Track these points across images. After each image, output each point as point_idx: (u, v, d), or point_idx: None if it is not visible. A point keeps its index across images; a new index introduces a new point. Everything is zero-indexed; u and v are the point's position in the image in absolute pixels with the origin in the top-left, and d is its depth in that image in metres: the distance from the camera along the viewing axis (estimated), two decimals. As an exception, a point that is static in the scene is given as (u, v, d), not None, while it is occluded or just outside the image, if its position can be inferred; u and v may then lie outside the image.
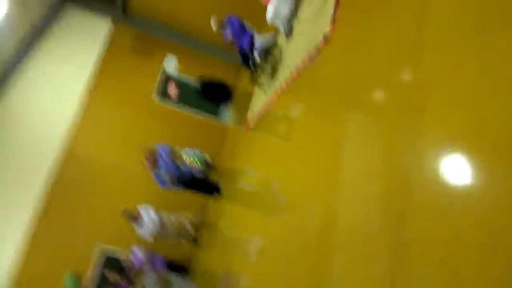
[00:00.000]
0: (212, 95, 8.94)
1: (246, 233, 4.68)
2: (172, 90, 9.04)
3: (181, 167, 6.46)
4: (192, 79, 8.76)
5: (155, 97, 8.81)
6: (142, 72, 8.88)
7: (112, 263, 7.16)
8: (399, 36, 2.47)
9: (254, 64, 6.12)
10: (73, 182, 7.66)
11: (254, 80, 6.21)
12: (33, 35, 8.01)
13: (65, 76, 8.36)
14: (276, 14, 5.59)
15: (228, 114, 8.95)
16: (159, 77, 8.95)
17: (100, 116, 8.29)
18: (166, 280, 5.61)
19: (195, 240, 7.09)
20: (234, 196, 6.12)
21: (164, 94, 8.97)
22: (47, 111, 8.09)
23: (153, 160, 6.15)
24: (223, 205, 6.58)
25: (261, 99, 6.05)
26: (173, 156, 7.04)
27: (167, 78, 9.10)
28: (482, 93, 1.58)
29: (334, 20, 3.80)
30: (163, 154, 6.86)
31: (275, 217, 3.68)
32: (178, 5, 8.52)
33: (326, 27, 3.88)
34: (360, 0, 3.45)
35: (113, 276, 6.32)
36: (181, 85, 9.10)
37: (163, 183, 6.35)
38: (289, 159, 3.89)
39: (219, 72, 8.84)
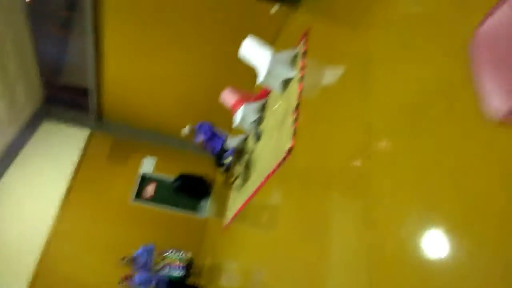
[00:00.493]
0: (191, 191, 9.10)
1: None
2: (150, 190, 9.18)
3: (157, 275, 6.50)
4: (170, 178, 8.94)
5: (132, 200, 8.88)
6: (120, 176, 9.05)
7: None
8: (350, 139, 2.78)
9: (227, 167, 6.40)
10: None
11: (227, 182, 6.45)
12: (10, 153, 8.18)
13: (43, 188, 8.42)
14: (243, 120, 6.02)
15: (207, 209, 9.06)
16: (136, 179, 9.11)
17: (78, 226, 8.24)
18: None
19: None
20: None
21: (141, 195, 9.07)
22: (24, 226, 8.00)
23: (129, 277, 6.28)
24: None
25: (236, 201, 6.23)
26: (156, 257, 7.08)
27: (146, 180, 9.27)
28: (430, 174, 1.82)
29: (294, 134, 4.19)
30: (142, 260, 6.84)
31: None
32: (150, 108, 8.95)
33: (289, 141, 4.24)
34: (313, 114, 3.85)
35: None
36: (159, 185, 9.26)
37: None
38: (269, 247, 3.97)
39: (197, 166, 9.08)
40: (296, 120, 4.30)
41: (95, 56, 7.39)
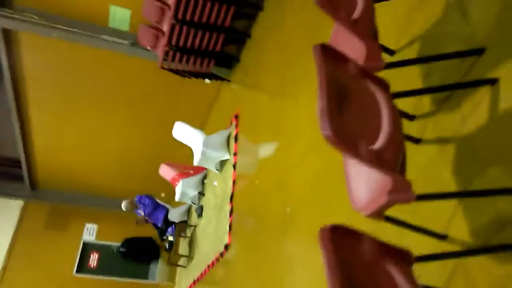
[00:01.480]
0: (138, 255, 8.69)
1: None
2: (94, 259, 8.66)
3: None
4: (114, 243, 8.50)
5: (74, 272, 8.32)
6: (60, 247, 8.46)
7: None
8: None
9: (170, 245, 6.16)
10: None
11: (170, 260, 6.19)
12: None
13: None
14: (183, 194, 5.84)
15: (157, 272, 8.67)
16: (78, 249, 8.58)
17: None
18: None
19: None
20: None
21: (85, 266, 8.53)
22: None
23: None
24: None
25: (183, 280, 6.00)
26: None
27: (88, 248, 8.74)
28: None
29: (230, 230, 4.09)
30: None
31: None
32: (86, 175, 8.54)
33: (226, 237, 4.14)
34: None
35: None
36: (103, 252, 8.75)
37: None
38: None
39: (143, 228, 8.71)
40: (231, 213, 4.22)
41: (20, 126, 7.00)
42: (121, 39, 5.17)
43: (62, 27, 5.04)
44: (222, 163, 4.95)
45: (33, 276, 7.97)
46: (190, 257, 5.81)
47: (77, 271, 8.32)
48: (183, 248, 6.22)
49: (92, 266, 8.59)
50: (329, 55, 1.19)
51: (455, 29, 1.66)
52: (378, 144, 1.19)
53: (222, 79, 5.56)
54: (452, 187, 1.53)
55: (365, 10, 1.42)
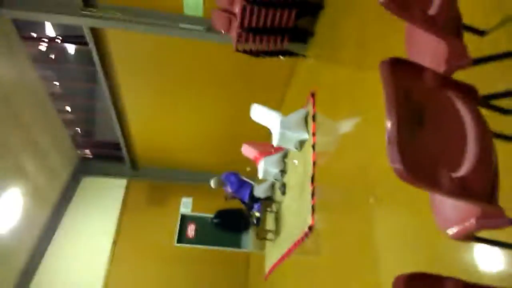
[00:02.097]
0: (231, 226, 9.13)
1: None
2: (191, 230, 9.34)
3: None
4: (208, 215, 9.05)
5: (175, 242, 9.08)
6: (161, 219, 9.28)
7: None
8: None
9: (257, 220, 6.36)
10: None
11: (259, 236, 6.41)
12: (56, 214, 8.64)
13: (92, 241, 8.81)
14: (266, 173, 5.95)
15: (249, 241, 9.09)
16: (176, 221, 9.32)
17: (128, 273, 8.55)
18: None
19: None
20: None
21: (184, 236, 9.26)
22: (80, 277, 8.43)
23: None
24: None
25: (271, 254, 6.19)
26: None
27: (185, 220, 9.45)
28: None
29: (313, 211, 4.07)
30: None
31: None
32: (178, 151, 9.11)
33: (309, 218, 4.13)
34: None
35: None
36: (199, 224, 9.40)
37: None
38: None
39: (233, 200, 9.14)
40: (313, 194, 4.18)
41: (116, 114, 7.63)
42: (197, 25, 5.26)
43: (142, 20, 5.28)
44: (302, 142, 4.89)
45: (139, 247, 8.88)
46: (277, 232, 5.96)
47: (177, 241, 9.10)
48: (270, 222, 6.40)
49: (190, 236, 9.31)
50: (400, 69, 1.05)
51: None
52: (463, 169, 1.05)
53: (297, 55, 5.40)
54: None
55: (443, 3, 1.22)
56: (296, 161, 5.23)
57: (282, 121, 4.70)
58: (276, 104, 6.26)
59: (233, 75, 6.31)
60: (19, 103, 6.55)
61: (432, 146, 1.04)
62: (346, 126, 3.65)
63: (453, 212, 1.17)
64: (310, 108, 4.65)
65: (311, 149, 4.48)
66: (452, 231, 1.17)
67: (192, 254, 9.03)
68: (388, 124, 0.97)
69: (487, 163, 1.07)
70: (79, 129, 8.93)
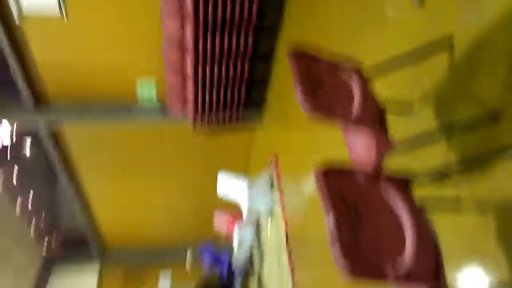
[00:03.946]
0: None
1: None
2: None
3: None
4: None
5: (157, 330, 8.57)
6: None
7: None
8: None
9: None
10: None
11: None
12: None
13: None
14: (241, 245, 5.90)
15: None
16: (156, 307, 8.86)
17: None
18: None
19: None
20: None
21: (166, 321, 8.76)
22: None
23: None
24: None
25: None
26: None
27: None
28: None
29: (293, 279, 4.05)
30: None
31: None
32: (151, 232, 8.90)
33: (289, 281, 4.10)
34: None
35: None
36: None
37: None
38: None
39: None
40: (290, 259, 4.18)
41: (80, 205, 7.48)
42: (153, 111, 5.41)
43: (97, 113, 5.38)
44: (271, 209, 4.95)
45: None
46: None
47: (159, 329, 8.58)
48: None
49: (172, 320, 8.82)
50: (333, 175, 1.16)
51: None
52: (405, 257, 1.14)
53: (254, 122, 5.63)
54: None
55: (363, 101, 1.39)
56: (269, 228, 5.25)
57: (249, 192, 4.77)
58: (242, 168, 6.37)
59: (195, 149, 6.43)
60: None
61: (373, 242, 1.13)
62: (310, 185, 3.77)
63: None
64: (273, 172, 4.78)
65: (281, 215, 4.54)
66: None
67: None
68: (330, 233, 1.06)
69: (426, 246, 1.17)
70: (41, 224, 8.58)
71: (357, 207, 1.16)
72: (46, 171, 7.32)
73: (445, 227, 1.57)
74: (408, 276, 1.11)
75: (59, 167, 6.30)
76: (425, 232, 1.20)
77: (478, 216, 1.53)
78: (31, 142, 6.55)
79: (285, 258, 4.35)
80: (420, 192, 1.40)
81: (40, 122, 5.31)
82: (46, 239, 8.85)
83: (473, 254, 1.54)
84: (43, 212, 8.57)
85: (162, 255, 9.41)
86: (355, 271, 1.03)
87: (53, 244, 9.04)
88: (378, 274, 1.08)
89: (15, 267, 7.69)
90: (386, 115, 1.52)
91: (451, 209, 1.61)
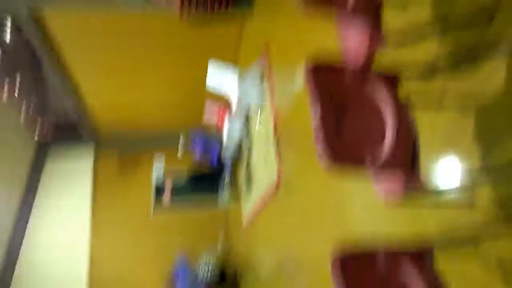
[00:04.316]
0: (204, 188, 9.39)
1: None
2: (167, 197, 9.52)
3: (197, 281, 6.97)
4: (181, 180, 9.21)
5: (153, 210, 9.26)
6: (135, 190, 9.35)
7: None
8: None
9: (229, 179, 6.60)
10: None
11: (232, 194, 6.69)
12: (27, 199, 8.57)
13: (69, 222, 8.85)
14: (230, 135, 6.10)
15: (224, 199, 9.40)
16: (151, 190, 9.43)
17: (111, 248, 8.74)
18: None
19: None
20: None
21: (160, 204, 9.44)
22: (64, 258, 8.56)
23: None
24: None
25: (245, 208, 6.50)
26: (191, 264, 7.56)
27: (160, 187, 9.58)
28: None
29: (279, 171, 4.30)
30: (181, 269, 7.41)
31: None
32: (140, 118, 9.05)
33: (274, 176, 4.37)
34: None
35: None
36: (174, 190, 9.56)
37: None
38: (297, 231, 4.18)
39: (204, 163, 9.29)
40: (278, 153, 4.38)
41: (68, 90, 7.47)
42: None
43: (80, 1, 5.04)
44: (261, 101, 5.01)
45: (118, 222, 9.01)
46: (248, 190, 6.23)
47: (154, 210, 9.28)
48: (241, 181, 6.64)
49: (166, 203, 9.50)
50: (322, 72, 1.18)
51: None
52: (385, 148, 1.22)
53: (244, 10, 5.36)
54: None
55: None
56: (258, 120, 5.37)
57: (239, 84, 4.76)
58: (232, 59, 6.25)
59: (183, 39, 6.21)
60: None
61: (355, 134, 1.19)
62: (299, 78, 3.77)
63: (386, 181, 1.36)
64: (264, 63, 4.72)
65: (270, 107, 4.62)
66: (384, 195, 1.37)
67: (171, 220, 9.27)
68: (315, 127, 1.11)
69: (405, 138, 1.24)
70: (31, 111, 8.62)
71: (343, 102, 1.19)
72: (32, 58, 7.11)
73: (426, 122, 1.64)
74: (385, 164, 1.19)
75: (43, 54, 6.11)
76: (406, 125, 1.26)
77: (459, 113, 1.59)
78: (11, 27, 6.21)
79: (272, 148, 4.54)
80: (407, 87, 1.43)
81: (20, 5, 4.98)
82: (38, 125, 8.97)
83: (449, 147, 1.64)
84: (32, 98, 8.54)
85: (155, 141, 9.71)
86: (336, 158, 1.11)
87: (45, 130, 9.19)
88: (357, 161, 1.16)
89: (10, 155, 7.94)
90: (381, 9, 1.47)
91: (435, 106, 1.66)
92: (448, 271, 1.53)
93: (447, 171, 1.62)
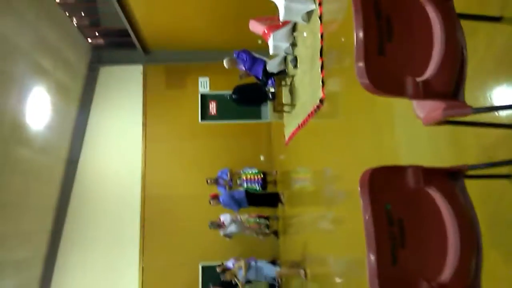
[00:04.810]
0: (249, 100, 9.46)
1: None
2: (213, 107, 9.78)
3: (236, 194, 7.39)
4: (227, 92, 9.34)
5: (199, 119, 9.61)
6: (182, 100, 9.68)
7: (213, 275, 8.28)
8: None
9: (273, 95, 6.59)
10: (156, 217, 8.98)
11: (275, 108, 6.70)
12: (83, 103, 9.13)
13: (122, 126, 9.45)
14: (276, 47, 5.95)
15: (267, 113, 9.53)
16: (198, 100, 9.70)
17: (158, 154, 9.34)
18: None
19: (275, 233, 8.07)
20: (294, 197, 6.70)
21: (207, 114, 9.75)
22: (120, 161, 9.32)
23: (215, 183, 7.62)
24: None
25: (289, 124, 6.57)
26: (233, 176, 8.01)
27: (206, 98, 9.82)
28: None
29: (323, 85, 4.22)
30: (224, 177, 7.86)
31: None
32: (188, 32, 8.99)
33: (319, 91, 4.30)
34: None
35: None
36: (219, 101, 9.78)
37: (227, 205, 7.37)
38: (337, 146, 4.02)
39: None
40: (322, 68, 4.27)
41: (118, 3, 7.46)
42: None
43: None
44: (309, 13, 4.76)
45: (167, 128, 9.49)
46: (292, 104, 6.23)
47: (201, 119, 9.63)
48: (285, 96, 6.62)
49: (212, 113, 9.79)
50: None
51: None
52: (428, 73, 1.17)
53: None
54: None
55: None
56: (305, 33, 5.16)
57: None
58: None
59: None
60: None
61: (400, 57, 1.14)
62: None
63: (427, 106, 1.33)
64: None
65: (318, 20, 4.40)
66: (424, 119, 1.35)
67: (217, 129, 9.62)
68: (355, 43, 1.07)
69: (450, 64, 1.17)
70: (84, 20, 8.79)
71: (391, 18, 1.12)
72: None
73: (481, 43, 1.53)
74: (427, 92, 1.15)
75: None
76: (454, 49, 1.18)
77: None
78: None
79: (318, 62, 4.42)
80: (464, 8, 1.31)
81: None
82: (91, 36, 9.22)
83: (501, 72, 1.53)
84: (85, 10, 8.68)
85: (201, 56, 9.74)
86: (375, 87, 1.08)
87: (98, 41, 9.45)
88: (398, 89, 1.12)
89: (65, 60, 8.27)
90: None
91: (491, 27, 1.52)
92: (481, 190, 1.53)
93: (496, 94, 1.53)
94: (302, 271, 5.29)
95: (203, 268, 8.80)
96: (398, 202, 1.08)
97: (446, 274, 1.15)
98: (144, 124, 9.46)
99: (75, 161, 8.92)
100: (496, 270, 1.62)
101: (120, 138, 9.40)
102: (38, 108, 7.27)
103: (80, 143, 9.10)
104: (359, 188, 1.07)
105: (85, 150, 9.15)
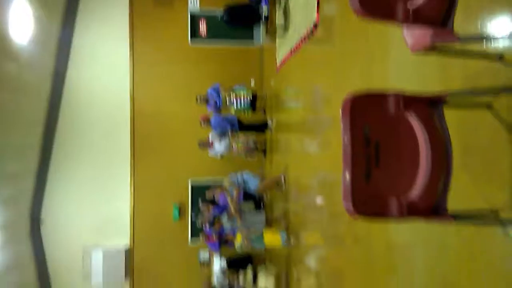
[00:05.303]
0: (240, 21, 9.14)
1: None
2: (203, 28, 9.43)
3: (229, 116, 7.44)
4: (217, 12, 8.97)
5: (189, 41, 9.32)
6: (170, 20, 9.29)
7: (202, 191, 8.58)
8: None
9: (266, 16, 6.37)
10: (147, 134, 9.11)
11: (268, 31, 6.52)
12: (67, 21, 8.71)
13: (110, 47, 9.15)
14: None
15: (259, 35, 9.24)
16: (187, 20, 9.31)
17: (147, 73, 9.18)
18: (242, 211, 7.01)
19: (263, 151, 8.31)
20: (282, 124, 6.84)
21: (196, 35, 9.43)
22: (106, 81, 9.17)
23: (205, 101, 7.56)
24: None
25: (281, 48, 6.44)
26: (224, 92, 7.87)
27: (195, 18, 9.43)
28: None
29: (318, 8, 4.10)
30: (214, 94, 7.79)
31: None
32: None
33: (314, 14, 4.19)
34: None
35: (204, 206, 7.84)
36: (209, 21, 9.41)
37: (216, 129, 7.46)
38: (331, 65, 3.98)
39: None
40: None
41: None
42: None
43: None
44: None
45: (155, 49, 9.19)
46: (285, 27, 6.06)
47: (191, 40, 9.30)
48: (278, 18, 6.41)
49: (202, 34, 9.44)
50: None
51: None
52: (418, 4, 1.18)
53: None
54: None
55: None
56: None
57: None
58: None
59: None
60: None
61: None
62: None
63: (416, 33, 1.35)
64: None
65: None
66: (412, 45, 1.38)
67: (207, 51, 9.38)
68: None
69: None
70: None
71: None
72: None
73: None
74: (417, 18, 1.17)
75: None
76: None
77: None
78: None
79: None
80: None
81: None
82: None
83: (496, 4, 1.53)
84: None
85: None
86: (366, 12, 1.09)
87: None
88: (388, 13, 1.14)
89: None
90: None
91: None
92: (460, 119, 1.62)
93: (488, 27, 1.55)
94: (282, 176, 5.56)
95: (192, 185, 9.13)
96: (377, 125, 1.15)
97: (415, 192, 1.27)
98: (132, 45, 9.16)
99: (62, 77, 8.75)
100: (465, 191, 1.77)
101: (107, 57, 9.16)
102: (21, 21, 6.95)
103: (66, 60, 8.86)
104: (340, 111, 1.13)
105: (71, 67, 8.93)
